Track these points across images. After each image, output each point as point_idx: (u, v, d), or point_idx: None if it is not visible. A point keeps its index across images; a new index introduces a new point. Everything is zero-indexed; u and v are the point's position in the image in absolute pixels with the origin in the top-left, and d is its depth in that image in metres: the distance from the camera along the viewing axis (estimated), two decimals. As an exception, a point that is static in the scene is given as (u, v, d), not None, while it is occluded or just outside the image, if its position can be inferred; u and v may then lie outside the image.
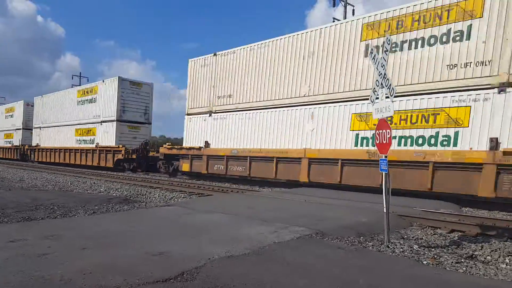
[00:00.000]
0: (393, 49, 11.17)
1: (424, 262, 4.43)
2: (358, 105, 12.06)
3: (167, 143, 20.36)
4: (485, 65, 9.72)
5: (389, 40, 5.33)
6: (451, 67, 10.26)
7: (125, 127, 23.32)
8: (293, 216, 6.78)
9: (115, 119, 22.94)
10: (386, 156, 5.19)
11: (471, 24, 9.99)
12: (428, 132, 10.60)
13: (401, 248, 4.99)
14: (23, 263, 3.66)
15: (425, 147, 10.62)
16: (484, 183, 9.46)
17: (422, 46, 10.82)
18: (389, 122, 5.19)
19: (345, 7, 32.46)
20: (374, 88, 5.57)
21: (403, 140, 11.09)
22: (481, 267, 4.39)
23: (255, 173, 15.05)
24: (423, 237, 5.94)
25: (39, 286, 3.09)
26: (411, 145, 10.91)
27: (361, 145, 11.97)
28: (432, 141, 10.52)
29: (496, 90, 9.48)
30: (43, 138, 31.13)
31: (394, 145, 10.87)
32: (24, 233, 5.03)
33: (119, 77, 23.05)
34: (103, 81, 24.32)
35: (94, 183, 14.66)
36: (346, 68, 12.47)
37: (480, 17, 9.87)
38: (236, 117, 15.93)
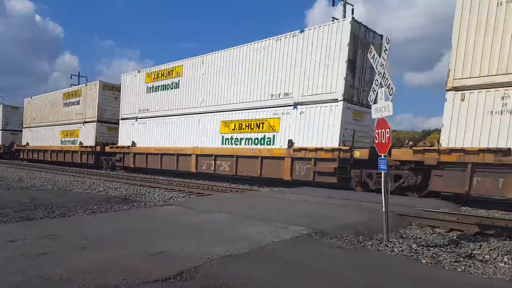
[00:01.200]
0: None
1: (423, 261, 4.44)
2: (64, 127, 27.79)
3: (16, 143, 36.90)
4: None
5: (388, 40, 5.32)
6: None
7: (8, 134, 38.83)
8: (292, 216, 6.78)
9: (1, 129, 38.44)
10: (385, 156, 5.17)
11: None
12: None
13: (400, 247, 5.00)
14: (22, 262, 3.66)
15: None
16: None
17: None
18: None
19: (345, 6, 32.40)
20: (373, 87, 5.52)
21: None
22: (479, 266, 4.40)
23: (43, 158, 30.26)
24: (422, 236, 5.96)
25: (39, 286, 3.09)
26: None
27: (65, 144, 27.37)
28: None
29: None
30: None
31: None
32: (23, 232, 5.03)
33: (2, 104, 39.49)
34: None
35: (93, 182, 14.65)
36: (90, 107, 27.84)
37: None
38: (39, 129, 31.58)
